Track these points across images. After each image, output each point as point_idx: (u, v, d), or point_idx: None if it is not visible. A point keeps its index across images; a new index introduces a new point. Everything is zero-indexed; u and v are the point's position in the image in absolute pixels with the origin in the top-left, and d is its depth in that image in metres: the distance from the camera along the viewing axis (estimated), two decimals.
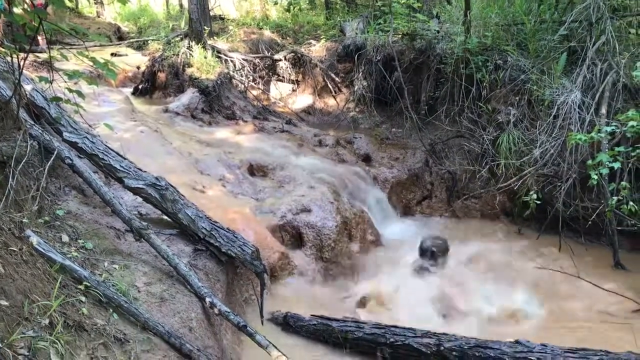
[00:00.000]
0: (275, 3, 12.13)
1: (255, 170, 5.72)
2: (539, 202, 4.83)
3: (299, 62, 9.14)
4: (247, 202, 4.86)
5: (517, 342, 3.07)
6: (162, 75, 8.23)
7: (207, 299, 2.99)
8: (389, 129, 7.62)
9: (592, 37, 5.66)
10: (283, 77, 9.22)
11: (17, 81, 2.84)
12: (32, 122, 3.45)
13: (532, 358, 2.91)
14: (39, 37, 7.68)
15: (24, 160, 2.85)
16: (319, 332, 3.62)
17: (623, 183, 4.30)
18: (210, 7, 10.55)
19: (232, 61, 8.67)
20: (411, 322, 3.61)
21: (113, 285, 2.65)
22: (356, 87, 8.21)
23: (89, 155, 3.62)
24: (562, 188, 5.28)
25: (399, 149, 6.94)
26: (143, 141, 5.26)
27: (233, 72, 8.53)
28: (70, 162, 3.36)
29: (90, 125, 4.40)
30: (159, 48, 9.14)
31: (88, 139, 3.69)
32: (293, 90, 9.27)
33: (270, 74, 9.24)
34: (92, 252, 2.92)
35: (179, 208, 3.55)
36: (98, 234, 3.14)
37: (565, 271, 4.39)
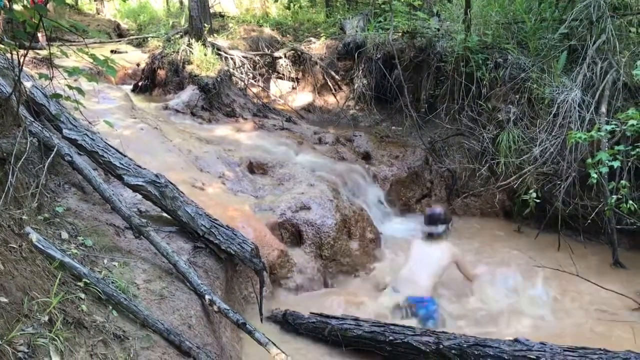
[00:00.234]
0: (276, 0, 12.10)
1: (255, 167, 5.71)
2: (538, 200, 4.84)
3: (299, 60, 9.11)
4: (246, 200, 4.85)
5: (516, 340, 3.07)
6: (162, 73, 8.20)
7: (207, 297, 2.99)
8: (388, 127, 7.62)
9: (592, 36, 5.67)
10: (283, 74, 9.19)
11: (17, 78, 2.83)
12: (32, 119, 3.44)
13: (531, 356, 2.91)
14: (39, 34, 7.65)
15: (23, 157, 2.84)
16: (318, 329, 3.62)
17: (622, 182, 4.31)
18: (210, 5, 10.52)
19: (232, 59, 8.65)
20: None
21: (112, 282, 2.64)
22: (356, 85, 8.20)
23: (89, 152, 3.61)
24: (562, 186, 5.29)
25: (398, 147, 6.94)
26: (143, 138, 5.25)
27: (233, 69, 8.51)
28: (70, 159, 3.35)
29: (90, 122, 4.39)
30: (159, 45, 9.11)
31: (88, 136, 3.67)
32: (293, 88, 9.25)
33: (270, 71, 9.22)
34: (91, 249, 2.91)
35: (178, 205, 3.55)
36: (97, 231, 3.13)
37: (564, 269, 4.40)
